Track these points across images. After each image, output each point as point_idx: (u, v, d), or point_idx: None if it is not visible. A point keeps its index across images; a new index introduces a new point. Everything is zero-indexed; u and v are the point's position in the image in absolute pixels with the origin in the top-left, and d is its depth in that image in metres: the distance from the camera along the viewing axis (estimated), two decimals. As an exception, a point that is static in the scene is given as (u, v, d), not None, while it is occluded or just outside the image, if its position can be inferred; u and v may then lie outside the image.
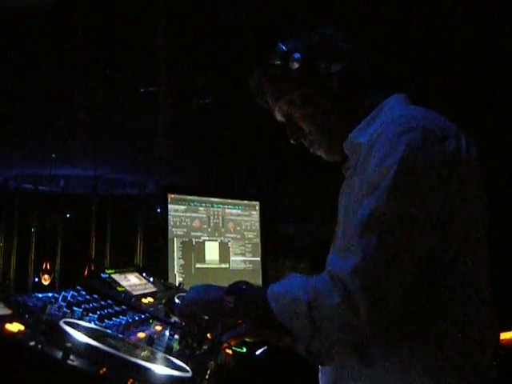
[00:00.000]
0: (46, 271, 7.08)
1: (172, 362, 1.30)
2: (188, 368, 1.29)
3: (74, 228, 7.58)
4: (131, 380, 1.09)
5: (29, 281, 7.01)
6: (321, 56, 1.44)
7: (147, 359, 1.23)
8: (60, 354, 1.06)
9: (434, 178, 1.19)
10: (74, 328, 1.23)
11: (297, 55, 1.43)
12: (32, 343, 1.09)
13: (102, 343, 1.19)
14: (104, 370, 1.07)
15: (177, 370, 1.25)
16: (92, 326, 1.37)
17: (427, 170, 1.19)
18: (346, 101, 1.46)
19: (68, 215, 7.60)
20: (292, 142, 1.55)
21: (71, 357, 1.07)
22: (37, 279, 7.13)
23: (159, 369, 1.19)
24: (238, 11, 2.79)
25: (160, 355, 1.32)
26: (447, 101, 3.27)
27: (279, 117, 1.56)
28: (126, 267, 2.21)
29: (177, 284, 2.49)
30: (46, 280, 7.03)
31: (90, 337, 1.20)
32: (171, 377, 1.20)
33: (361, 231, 1.19)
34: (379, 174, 1.21)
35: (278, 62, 1.46)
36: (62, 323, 1.23)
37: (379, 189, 1.20)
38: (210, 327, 1.49)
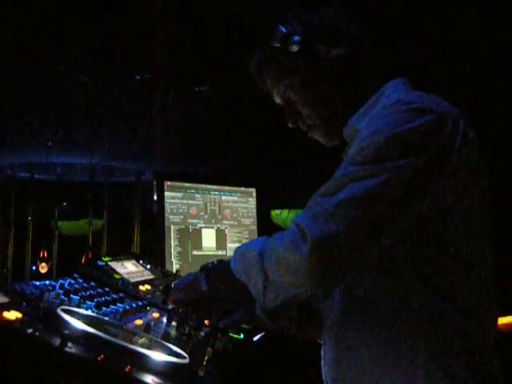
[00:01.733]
0: (43, 259, 7.09)
1: (169, 348, 1.31)
2: (185, 354, 1.30)
3: (71, 216, 7.56)
4: (129, 367, 1.10)
5: (26, 269, 7.00)
6: (321, 39, 1.42)
7: (145, 346, 1.24)
8: (57, 342, 1.07)
9: (430, 159, 1.18)
10: (71, 315, 1.23)
11: (296, 38, 1.41)
12: (29, 331, 1.10)
13: (100, 330, 1.19)
14: (102, 356, 1.08)
15: (174, 356, 1.26)
16: (89, 313, 1.37)
17: (426, 149, 1.18)
18: (346, 85, 1.45)
19: (65, 203, 7.58)
20: (290, 125, 1.54)
21: (69, 344, 1.08)
22: (34, 267, 7.13)
23: (157, 355, 1.20)
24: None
25: (157, 342, 1.33)
26: (448, 86, 3.25)
27: (278, 100, 1.54)
28: (123, 255, 2.21)
29: (174, 271, 2.49)
30: (43, 268, 7.03)
31: (87, 324, 1.20)
32: (169, 363, 1.20)
33: (334, 187, 1.18)
34: (374, 138, 1.20)
35: (278, 45, 1.44)
36: (59, 311, 1.23)
37: (367, 153, 1.19)
38: (201, 311, 1.49)
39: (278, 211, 5.75)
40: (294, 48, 1.41)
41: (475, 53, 3.24)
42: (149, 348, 1.23)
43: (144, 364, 1.15)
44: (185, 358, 1.28)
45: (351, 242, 1.13)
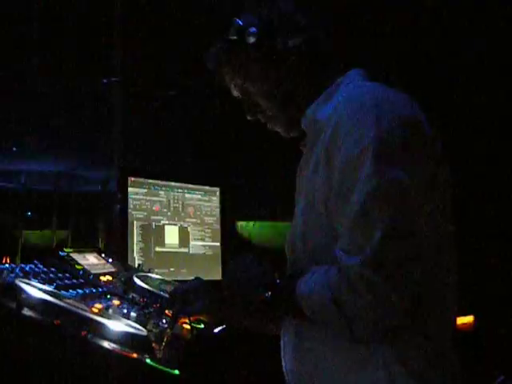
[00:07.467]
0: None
1: (128, 323, 1.31)
2: (143, 329, 1.31)
3: (36, 224, 7.48)
4: (85, 332, 1.11)
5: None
6: (278, 30, 1.43)
7: (103, 316, 1.24)
8: (14, 305, 1.08)
9: (404, 157, 1.19)
10: (29, 285, 1.24)
11: (253, 30, 1.42)
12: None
13: (57, 299, 1.20)
14: (58, 321, 1.09)
15: (132, 328, 1.27)
16: (48, 288, 1.37)
17: (399, 149, 1.19)
18: (303, 76, 1.46)
19: (29, 212, 7.50)
20: (249, 118, 1.55)
21: (25, 309, 1.09)
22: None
23: (114, 324, 1.21)
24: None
25: (116, 316, 1.33)
26: (407, 76, 3.29)
27: (236, 93, 1.55)
28: (85, 248, 2.21)
29: (136, 266, 2.48)
30: (5, 277, 6.95)
31: (45, 293, 1.21)
32: (126, 333, 1.21)
33: (363, 224, 1.16)
34: (356, 161, 1.18)
35: (234, 37, 1.46)
36: (17, 281, 1.24)
37: (363, 174, 1.17)
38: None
39: (243, 223, 5.77)
40: (251, 39, 1.42)
41: (434, 44, 3.28)
42: (107, 318, 1.24)
43: (100, 331, 1.16)
44: (142, 331, 1.29)
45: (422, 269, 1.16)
